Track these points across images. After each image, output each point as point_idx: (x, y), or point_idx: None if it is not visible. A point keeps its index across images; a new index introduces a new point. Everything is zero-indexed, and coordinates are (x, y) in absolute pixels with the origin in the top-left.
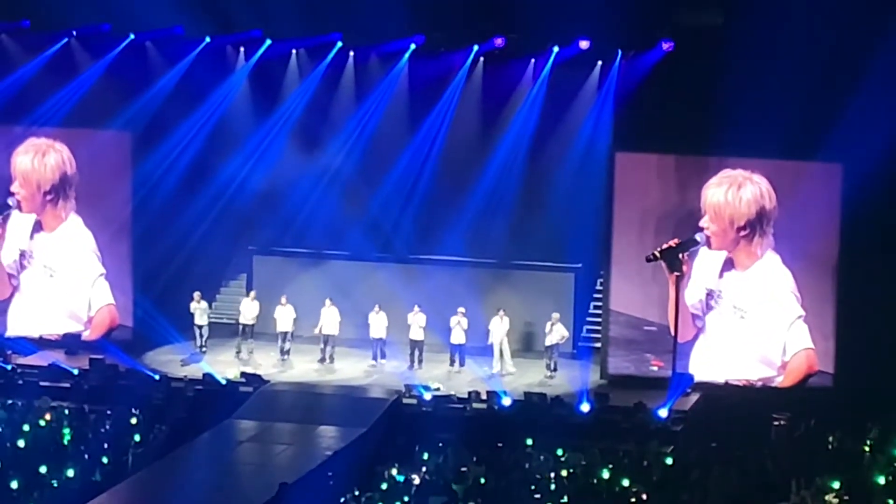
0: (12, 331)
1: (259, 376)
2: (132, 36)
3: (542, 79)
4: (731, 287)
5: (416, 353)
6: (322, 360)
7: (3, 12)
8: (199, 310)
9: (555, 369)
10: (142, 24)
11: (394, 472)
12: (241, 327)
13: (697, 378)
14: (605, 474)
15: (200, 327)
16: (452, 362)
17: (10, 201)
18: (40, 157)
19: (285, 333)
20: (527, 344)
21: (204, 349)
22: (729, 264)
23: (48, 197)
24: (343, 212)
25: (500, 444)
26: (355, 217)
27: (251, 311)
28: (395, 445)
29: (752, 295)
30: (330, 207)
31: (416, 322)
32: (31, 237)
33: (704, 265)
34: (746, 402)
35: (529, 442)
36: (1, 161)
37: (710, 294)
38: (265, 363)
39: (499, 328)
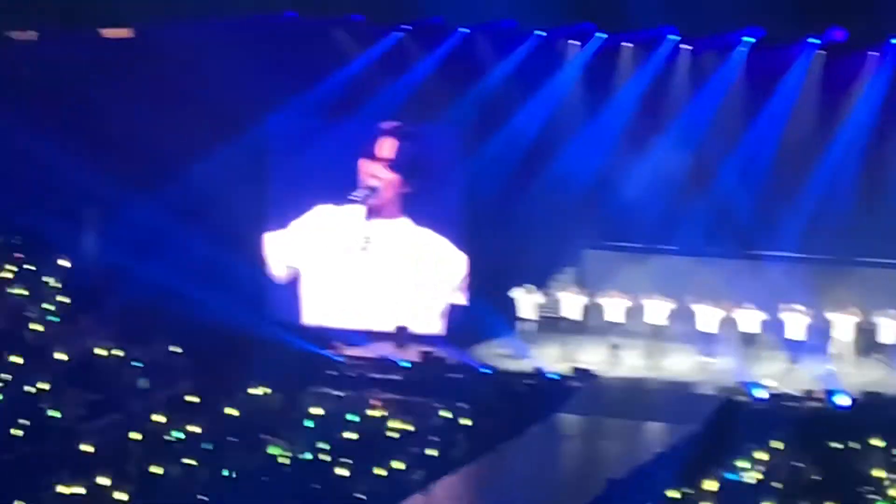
0: (342, 322)
1: (589, 371)
2: (464, 29)
3: (883, 71)
4: None
5: (750, 349)
6: (649, 356)
7: (337, 6)
8: (529, 302)
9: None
10: (474, 18)
11: (725, 470)
12: (567, 321)
13: None
14: None
15: (528, 321)
16: (788, 359)
17: (362, 192)
18: (393, 148)
19: (615, 328)
20: (864, 342)
21: (531, 343)
22: None
23: (397, 188)
24: (674, 206)
25: (835, 444)
26: (687, 211)
27: (576, 305)
28: (726, 443)
29: None
30: (661, 201)
31: (749, 318)
32: (371, 227)
33: None
34: None
35: (866, 442)
36: (335, 153)
37: None
38: (594, 358)
39: (838, 325)
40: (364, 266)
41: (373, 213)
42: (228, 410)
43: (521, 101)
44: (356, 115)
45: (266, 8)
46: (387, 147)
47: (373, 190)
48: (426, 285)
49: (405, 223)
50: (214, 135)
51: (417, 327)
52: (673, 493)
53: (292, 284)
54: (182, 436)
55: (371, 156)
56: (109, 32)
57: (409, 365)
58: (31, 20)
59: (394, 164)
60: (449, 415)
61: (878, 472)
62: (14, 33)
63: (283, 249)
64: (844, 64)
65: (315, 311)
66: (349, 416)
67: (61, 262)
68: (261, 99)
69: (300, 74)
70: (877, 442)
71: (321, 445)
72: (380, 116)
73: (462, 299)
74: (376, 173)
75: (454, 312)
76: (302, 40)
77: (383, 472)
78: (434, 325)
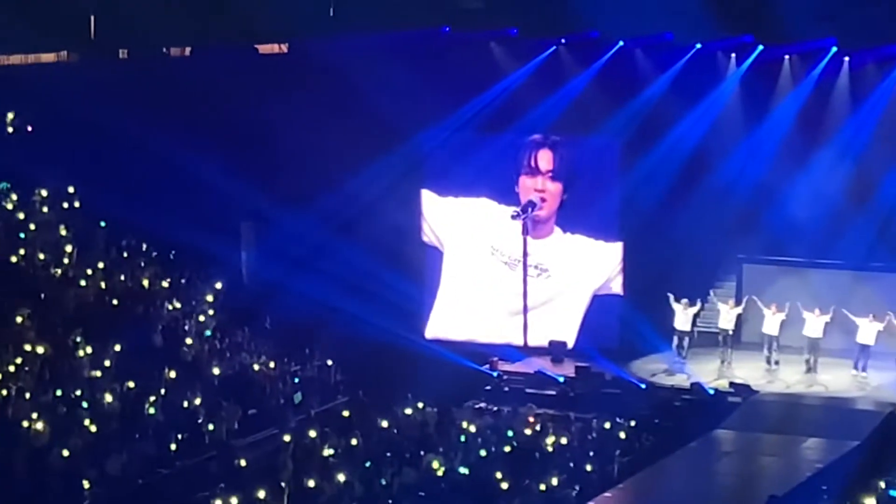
0: (493, 337)
1: (748, 386)
2: (621, 43)
3: None
4: None
5: None
6: (808, 370)
7: (492, 20)
8: (685, 316)
9: None
10: (631, 31)
11: (888, 487)
12: (721, 335)
13: None
14: None
15: (685, 334)
16: None
17: (525, 209)
18: (551, 159)
19: (773, 342)
20: None
21: (685, 358)
22: None
23: (558, 198)
24: (836, 219)
25: None
26: (848, 225)
27: (732, 319)
28: (886, 459)
29: None
30: (822, 215)
31: None
32: (529, 241)
33: None
34: None
35: None
36: (496, 166)
37: None
38: (750, 373)
39: None
40: (520, 281)
41: (531, 228)
42: (384, 424)
43: (680, 113)
44: (513, 128)
45: (422, 23)
46: (544, 159)
47: (534, 205)
48: (581, 291)
49: (557, 233)
50: (371, 149)
51: (571, 341)
52: None
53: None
54: (337, 450)
55: (530, 170)
56: (265, 48)
57: (563, 380)
58: (188, 37)
59: (555, 175)
60: (606, 429)
61: None
62: (171, 49)
63: (436, 217)
64: None
65: (466, 327)
66: (505, 431)
67: (217, 277)
68: (417, 113)
69: (457, 89)
70: None
71: (478, 459)
72: (536, 130)
73: (619, 289)
74: (538, 186)
75: (611, 327)
76: (458, 54)
77: (541, 487)
78: (589, 338)
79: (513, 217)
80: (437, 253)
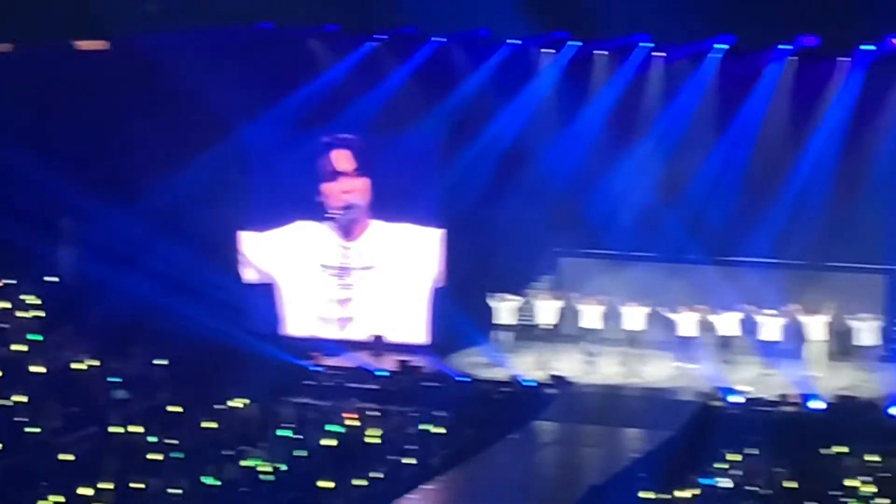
0: (320, 332)
1: (565, 378)
2: (438, 39)
3: (855, 77)
4: None
5: (726, 354)
6: (626, 362)
7: (312, 16)
8: (505, 310)
9: (872, 373)
10: (448, 27)
11: (701, 475)
12: (542, 329)
13: None
14: None
15: (506, 328)
16: (763, 364)
17: (339, 210)
18: (350, 158)
19: (591, 335)
20: (839, 346)
21: (508, 351)
22: None
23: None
24: (650, 213)
25: (810, 449)
26: (662, 218)
27: (552, 312)
28: (702, 449)
29: None
30: (636, 209)
31: (724, 323)
32: (344, 239)
33: None
34: None
35: (840, 447)
36: (308, 162)
37: None
38: (570, 365)
39: (812, 331)
40: (343, 276)
41: (347, 230)
42: (206, 422)
43: (497, 109)
44: (332, 125)
45: (241, 18)
46: (342, 159)
47: (350, 207)
48: (404, 285)
49: (375, 227)
50: (191, 145)
51: (396, 336)
52: (648, 497)
53: (270, 296)
54: (161, 447)
55: (331, 175)
56: (84, 45)
57: (386, 374)
58: (6, 32)
59: (360, 172)
60: (427, 424)
61: (852, 477)
62: None
63: (259, 255)
64: (816, 70)
65: (295, 323)
66: (327, 427)
67: (38, 275)
68: (237, 110)
69: (276, 85)
70: (851, 446)
71: (299, 456)
72: (355, 126)
73: (441, 281)
74: (344, 188)
75: (432, 321)
76: (277, 50)
77: (362, 482)
78: (412, 334)
79: (330, 219)
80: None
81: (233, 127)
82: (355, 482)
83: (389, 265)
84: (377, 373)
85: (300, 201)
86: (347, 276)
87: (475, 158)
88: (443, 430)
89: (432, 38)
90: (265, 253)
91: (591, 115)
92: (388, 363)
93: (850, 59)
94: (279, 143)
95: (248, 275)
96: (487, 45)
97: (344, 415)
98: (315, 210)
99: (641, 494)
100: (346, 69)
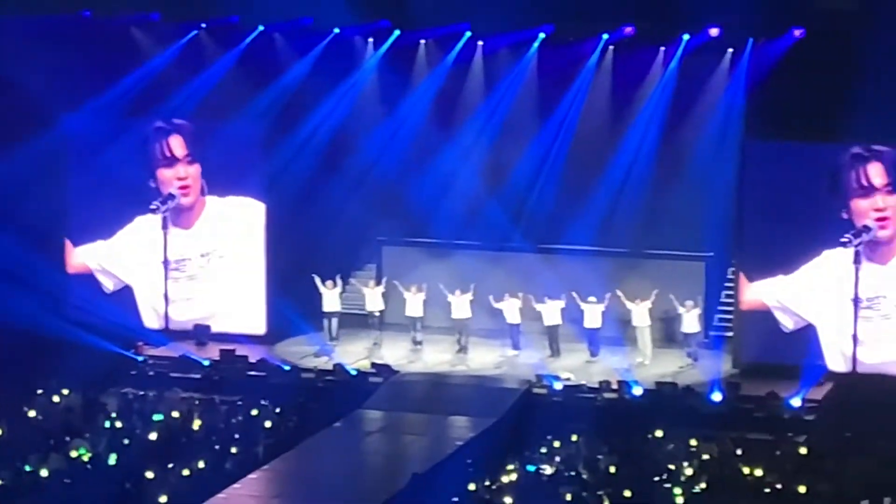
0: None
1: (389, 367)
2: (261, 27)
3: (672, 67)
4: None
5: (553, 342)
6: (458, 350)
7: (134, 4)
8: (331, 299)
9: (696, 359)
10: (270, 16)
11: (524, 462)
12: (369, 318)
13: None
14: (738, 464)
15: (332, 316)
16: (589, 352)
17: (164, 200)
18: (183, 145)
19: (416, 323)
20: (661, 333)
21: (335, 339)
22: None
23: (198, 185)
24: (472, 202)
25: (631, 434)
26: (485, 207)
27: (378, 300)
28: (525, 435)
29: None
30: (458, 198)
31: (549, 311)
32: (173, 229)
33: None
34: (881, 392)
35: (661, 432)
36: (137, 152)
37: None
38: (396, 353)
39: (635, 317)
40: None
41: (185, 212)
42: (30, 413)
43: (320, 98)
44: (155, 113)
45: (61, 7)
46: (177, 145)
47: (173, 197)
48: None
49: (212, 201)
50: (11, 136)
51: (231, 326)
52: (473, 486)
53: (92, 286)
54: None
55: (166, 160)
56: None
57: (208, 363)
58: None
59: (192, 158)
60: (251, 413)
61: (673, 462)
62: None
63: (109, 263)
64: (634, 60)
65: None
66: (151, 416)
67: None
68: (61, 99)
69: (98, 74)
70: (672, 432)
71: (123, 445)
72: (179, 114)
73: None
74: (179, 175)
75: (267, 310)
76: (99, 39)
77: (186, 472)
78: (248, 323)
79: (152, 211)
80: None
81: (53, 117)
82: (180, 471)
83: (225, 249)
84: (203, 362)
85: (134, 196)
86: (186, 268)
87: (299, 147)
88: (267, 420)
89: (256, 27)
90: (113, 260)
91: (414, 104)
92: (213, 353)
93: (667, 48)
94: (105, 134)
95: (106, 285)
96: (311, 33)
97: (175, 403)
98: (150, 200)
99: (466, 482)
100: (169, 58)
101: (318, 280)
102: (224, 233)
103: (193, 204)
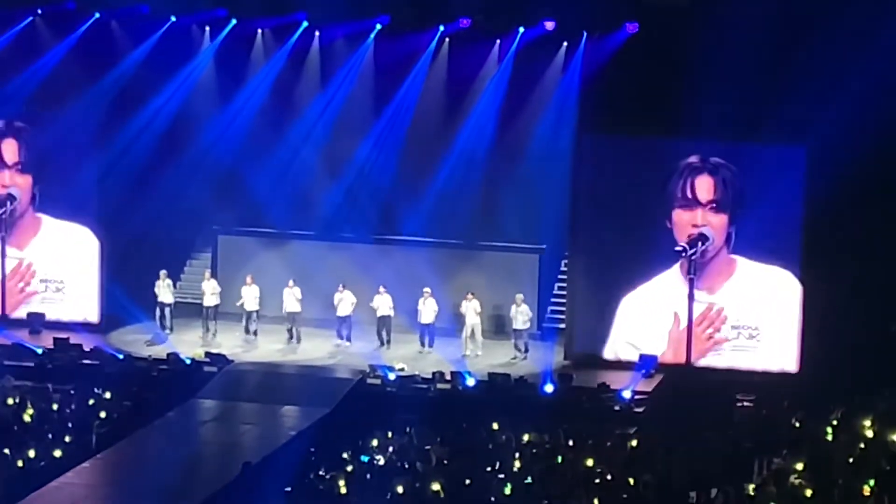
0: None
1: (223, 356)
2: (97, 15)
3: (507, 60)
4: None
5: (384, 333)
6: (290, 340)
7: None
8: (165, 288)
9: (526, 350)
10: (107, 3)
11: (357, 452)
12: (204, 308)
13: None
14: (569, 455)
15: (166, 306)
16: (422, 343)
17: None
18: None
19: (251, 313)
20: (493, 325)
21: (169, 329)
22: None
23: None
24: (308, 192)
25: (463, 425)
26: (320, 197)
27: (213, 291)
28: (358, 426)
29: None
30: (294, 187)
31: (383, 302)
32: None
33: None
34: (710, 384)
35: (493, 423)
36: None
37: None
38: (230, 343)
39: (468, 310)
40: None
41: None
42: None
43: (156, 87)
44: None
45: None
46: (9, 151)
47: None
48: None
49: (45, 220)
50: None
51: (66, 314)
52: (307, 475)
53: None
54: None
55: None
56: None
57: (41, 351)
58: None
59: (23, 167)
60: (84, 401)
61: (504, 452)
62: None
63: None
64: (471, 52)
65: None
66: None
67: None
68: None
69: None
70: (504, 422)
71: None
72: (11, 104)
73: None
74: (5, 182)
75: (100, 299)
76: None
77: (19, 462)
78: (83, 311)
79: None
80: None
81: None
82: (13, 460)
83: (64, 275)
84: (36, 350)
85: None
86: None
87: (136, 135)
88: (100, 408)
89: (92, 14)
90: None
91: (251, 93)
92: (47, 341)
93: (502, 41)
94: None
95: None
96: (147, 21)
97: (7, 391)
98: None
99: (299, 471)
100: (2, 45)
101: (152, 272)
102: (61, 259)
103: (24, 212)
